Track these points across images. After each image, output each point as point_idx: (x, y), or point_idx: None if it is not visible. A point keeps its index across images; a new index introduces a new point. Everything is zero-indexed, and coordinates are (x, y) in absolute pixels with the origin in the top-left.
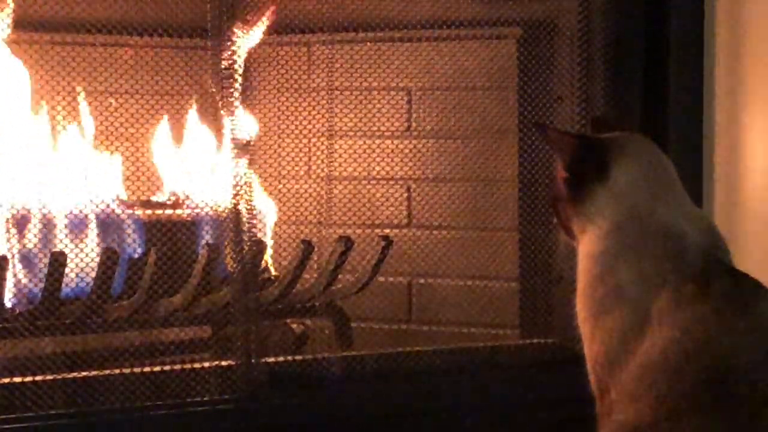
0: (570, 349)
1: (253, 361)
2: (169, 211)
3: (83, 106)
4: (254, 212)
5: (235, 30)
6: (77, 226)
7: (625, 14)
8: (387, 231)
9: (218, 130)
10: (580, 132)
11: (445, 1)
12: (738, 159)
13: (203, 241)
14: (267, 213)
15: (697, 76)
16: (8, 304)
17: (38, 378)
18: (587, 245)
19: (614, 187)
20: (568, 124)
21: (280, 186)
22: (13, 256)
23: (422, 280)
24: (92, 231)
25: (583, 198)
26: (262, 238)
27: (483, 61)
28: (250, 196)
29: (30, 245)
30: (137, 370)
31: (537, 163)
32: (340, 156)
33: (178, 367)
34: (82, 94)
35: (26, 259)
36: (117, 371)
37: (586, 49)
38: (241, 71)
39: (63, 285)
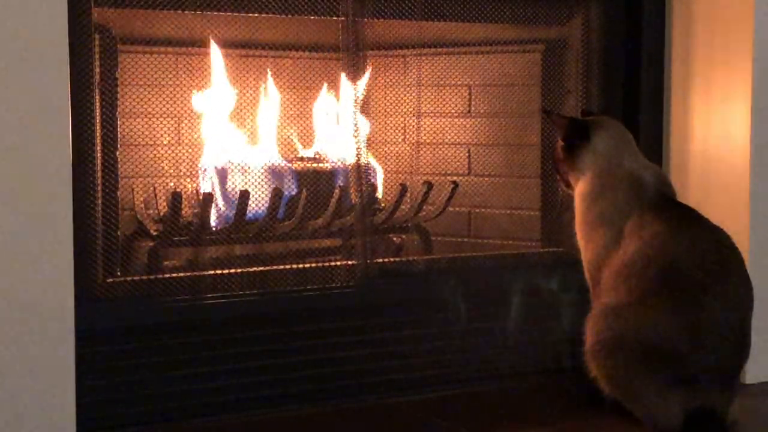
0: (572, 255)
1: (368, 261)
2: (315, 165)
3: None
4: (369, 165)
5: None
6: (257, 174)
7: (612, 35)
8: (455, 178)
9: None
10: (574, 116)
11: (495, 27)
12: (684, 133)
13: (337, 184)
14: (377, 166)
15: (659, 76)
16: (213, 223)
17: (231, 271)
18: (580, 188)
19: (594, 149)
20: (573, 109)
21: (386, 149)
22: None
23: (477, 210)
24: (267, 177)
25: (575, 158)
26: (374, 182)
27: (518, 66)
28: (367, 154)
29: (226, 186)
30: (295, 266)
31: (553, 134)
32: (425, 129)
33: (321, 264)
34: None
35: (224, 195)
36: (282, 267)
37: (586, 59)
38: (362, 75)
39: (247, 212)
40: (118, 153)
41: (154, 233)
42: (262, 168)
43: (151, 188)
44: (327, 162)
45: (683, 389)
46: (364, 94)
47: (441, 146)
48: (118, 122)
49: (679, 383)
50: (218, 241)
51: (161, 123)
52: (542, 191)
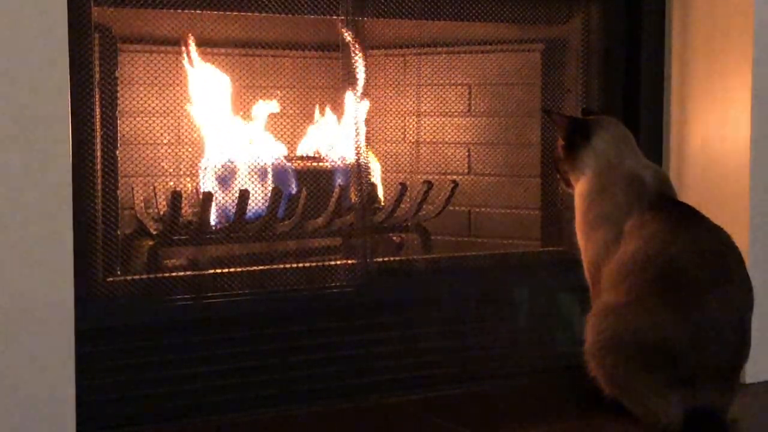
0: (572, 255)
1: (368, 260)
2: (315, 164)
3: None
4: (369, 164)
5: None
6: (257, 173)
7: (613, 35)
8: (454, 177)
9: (346, 112)
10: (574, 115)
11: (495, 26)
12: (684, 132)
13: (337, 183)
14: (377, 165)
15: (659, 76)
16: (213, 222)
17: (231, 270)
18: (580, 188)
19: (595, 149)
20: (573, 108)
21: (386, 147)
22: (215, 193)
23: (477, 209)
24: (266, 176)
25: (575, 157)
26: (374, 182)
27: (518, 65)
28: (367, 154)
29: (226, 185)
30: (295, 265)
31: (552, 133)
32: (425, 128)
33: (321, 264)
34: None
35: (224, 194)
36: (282, 266)
37: (586, 58)
38: (360, 74)
39: (247, 211)
40: (118, 152)
41: (154, 232)
42: (262, 167)
43: (151, 187)
44: (327, 161)
45: (683, 389)
46: (364, 93)
47: (441, 145)
48: (118, 121)
49: (678, 383)
50: (218, 240)
51: (161, 122)
52: (542, 191)
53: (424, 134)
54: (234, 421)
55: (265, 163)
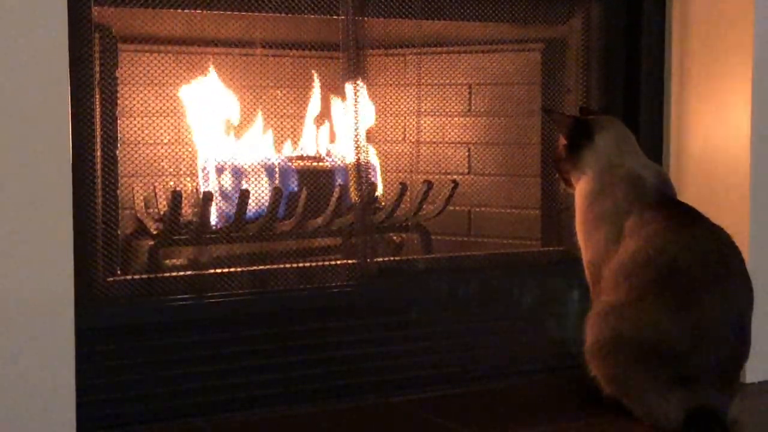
0: (572, 254)
1: (368, 260)
2: (315, 163)
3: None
4: (369, 164)
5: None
6: (257, 173)
7: (612, 35)
8: (454, 177)
9: (347, 111)
10: (573, 114)
11: (495, 26)
12: (684, 132)
13: (337, 183)
14: (377, 165)
15: (659, 76)
16: (213, 222)
17: (232, 270)
18: (580, 187)
19: (597, 148)
20: (574, 107)
21: (386, 147)
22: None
23: (477, 209)
24: (266, 176)
25: (576, 157)
26: (374, 181)
27: (518, 65)
28: (367, 153)
29: (226, 186)
30: (295, 265)
31: (552, 133)
32: (425, 128)
33: (321, 263)
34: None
35: (224, 194)
36: (282, 266)
37: (586, 58)
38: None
39: (248, 210)
40: (117, 152)
41: (154, 232)
42: (263, 167)
43: (151, 187)
44: (327, 161)
45: (683, 388)
46: (364, 93)
47: (441, 145)
48: (118, 121)
49: (678, 382)
50: (218, 240)
51: (161, 122)
52: (542, 190)
53: (424, 134)
54: (234, 421)
55: (265, 163)
